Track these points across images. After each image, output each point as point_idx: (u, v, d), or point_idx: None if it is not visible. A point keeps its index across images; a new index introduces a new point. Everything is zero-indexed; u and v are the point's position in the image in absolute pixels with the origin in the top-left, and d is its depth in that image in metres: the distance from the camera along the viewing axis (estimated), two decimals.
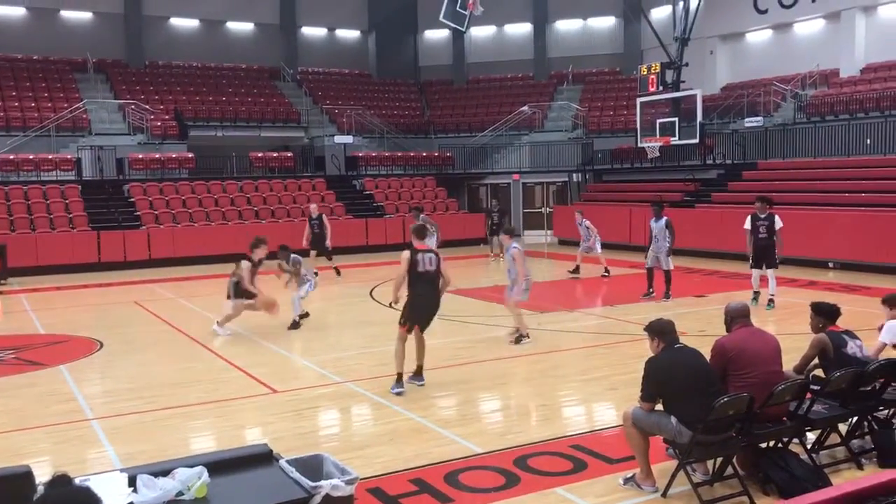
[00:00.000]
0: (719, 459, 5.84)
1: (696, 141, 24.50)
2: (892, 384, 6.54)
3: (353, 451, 6.81)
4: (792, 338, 8.92)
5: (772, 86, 27.49)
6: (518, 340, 10.99)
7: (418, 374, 8.92)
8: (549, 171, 30.12)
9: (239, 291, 12.12)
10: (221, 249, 22.95)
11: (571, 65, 35.84)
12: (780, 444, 6.01)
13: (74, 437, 7.46)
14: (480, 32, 37.44)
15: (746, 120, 26.31)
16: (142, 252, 22.51)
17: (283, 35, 36.17)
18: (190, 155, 26.89)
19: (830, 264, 18.65)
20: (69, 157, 25.25)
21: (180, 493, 3.98)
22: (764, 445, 5.98)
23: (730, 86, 30.71)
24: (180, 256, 22.57)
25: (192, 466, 4.12)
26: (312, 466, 4.41)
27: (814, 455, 6.13)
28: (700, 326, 11.60)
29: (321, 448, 6.40)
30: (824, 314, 6.59)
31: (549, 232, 26.42)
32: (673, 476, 5.64)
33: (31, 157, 24.74)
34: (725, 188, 23.91)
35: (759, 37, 30.97)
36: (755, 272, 13.72)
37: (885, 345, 6.83)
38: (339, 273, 19.15)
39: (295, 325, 12.61)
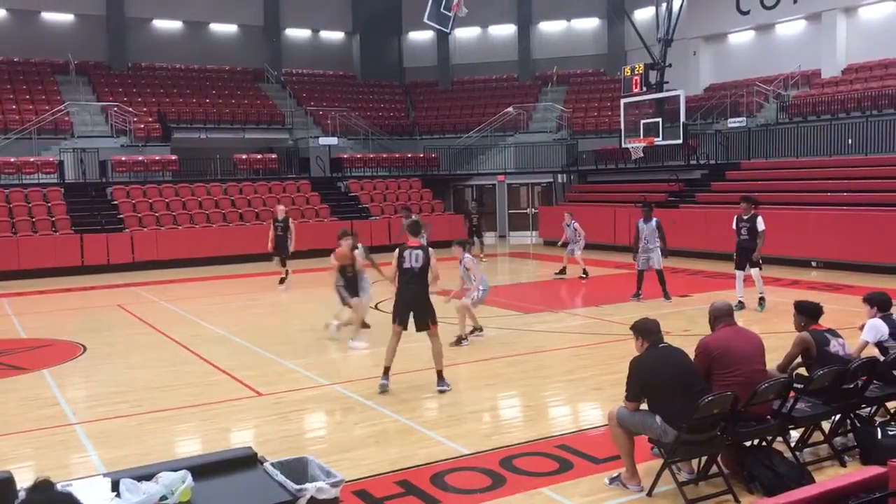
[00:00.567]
0: (704, 458, 5.86)
1: (679, 141, 24.62)
2: (874, 382, 6.60)
3: (338, 453, 6.79)
4: (775, 336, 8.97)
5: (754, 86, 27.66)
6: (459, 342, 11.08)
7: (440, 380, 8.75)
8: (534, 172, 30.18)
9: (352, 289, 11.61)
10: (205, 252, 22.92)
11: (556, 66, 35.94)
12: (764, 443, 6.04)
13: (57, 442, 7.40)
14: (465, 34, 37.48)
15: (729, 120, 26.47)
16: (125, 255, 22.36)
17: (266, 37, 36.04)
18: (173, 157, 26.75)
19: (813, 263, 18.79)
20: (51, 159, 25.05)
21: (164, 498, 3.96)
22: (748, 444, 6.01)
23: (713, 86, 30.89)
24: (164, 259, 22.43)
25: (175, 470, 4.10)
26: (297, 469, 4.40)
27: (797, 453, 6.17)
28: (684, 326, 11.66)
29: (307, 451, 6.37)
30: (807, 313, 6.63)
31: (534, 233, 26.49)
32: (658, 475, 5.67)
33: (12, 160, 24.50)
34: (709, 188, 24.05)
35: (741, 38, 31.17)
36: (738, 274, 13.54)
37: (867, 343, 6.89)
38: (284, 279, 17.85)
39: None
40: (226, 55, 35.20)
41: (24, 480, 4.16)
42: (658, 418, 5.59)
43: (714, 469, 5.77)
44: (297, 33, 37.46)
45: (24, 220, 22.21)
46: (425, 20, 26.60)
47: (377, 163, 30.41)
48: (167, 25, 34.54)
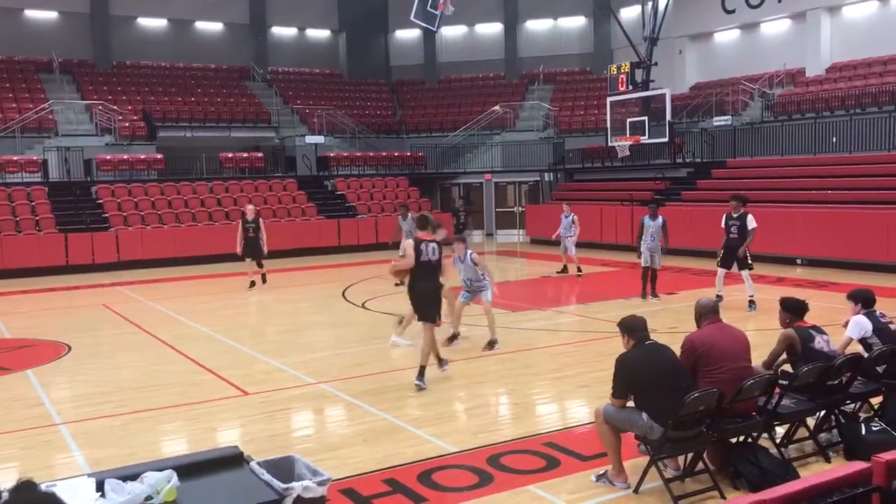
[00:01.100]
0: (690, 455, 5.89)
1: (665, 140, 24.72)
2: (858, 378, 6.65)
3: (325, 452, 6.78)
4: (761, 333, 9.02)
5: (740, 85, 27.81)
6: (450, 341, 10.84)
7: (420, 375, 8.72)
8: (521, 171, 30.21)
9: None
10: (191, 251, 22.81)
11: (542, 64, 35.99)
12: (749, 439, 6.08)
13: (41, 443, 7.35)
14: (452, 32, 37.47)
15: (715, 119, 26.60)
16: (110, 254, 22.23)
17: (252, 35, 35.90)
18: (159, 156, 26.60)
19: (798, 261, 18.91)
20: (35, 158, 24.86)
21: (149, 498, 3.93)
22: (734, 440, 6.05)
23: (699, 85, 31.02)
24: (149, 259, 22.31)
25: (161, 470, 4.07)
26: (284, 468, 4.37)
27: (783, 449, 6.21)
28: (670, 323, 11.70)
29: (294, 450, 6.34)
30: (792, 310, 6.66)
31: (521, 231, 26.52)
32: (645, 472, 5.69)
33: None
34: (695, 186, 24.14)
35: (727, 36, 31.32)
36: (721, 271, 13.50)
37: (851, 339, 6.94)
38: (261, 282, 17.33)
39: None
40: (211, 53, 35.03)
41: (7, 481, 4.13)
42: (644, 415, 5.60)
43: (700, 465, 5.79)
44: (283, 31, 37.33)
45: (7, 220, 22.02)
46: (412, 18, 26.58)
47: (364, 161, 30.36)
48: (152, 23, 34.33)
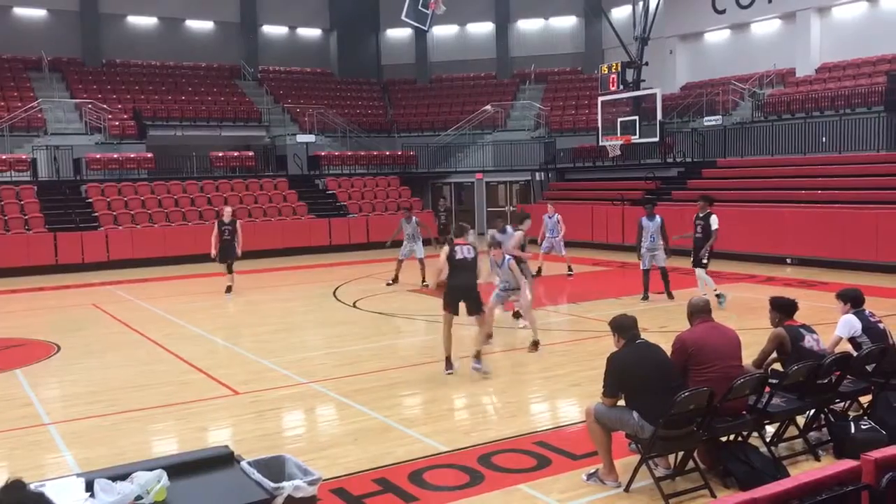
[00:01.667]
0: (681, 454, 5.91)
1: (656, 139, 24.76)
2: (847, 377, 6.68)
3: (316, 451, 6.77)
4: (751, 333, 9.04)
5: (730, 85, 27.89)
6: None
7: (476, 358, 9.29)
8: (513, 170, 30.23)
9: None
10: (182, 251, 22.70)
11: (534, 64, 36.01)
12: (739, 438, 6.10)
13: (30, 443, 7.31)
14: (443, 31, 37.46)
15: (706, 119, 26.67)
16: (100, 254, 22.12)
17: (243, 33, 35.78)
18: (149, 155, 26.48)
19: (788, 260, 18.98)
20: (24, 157, 24.70)
21: (139, 497, 3.91)
22: (724, 439, 6.06)
23: (689, 85, 31.10)
24: (139, 258, 22.22)
25: (151, 470, 4.05)
26: (274, 467, 4.36)
27: (773, 448, 6.23)
28: (661, 322, 11.73)
29: (284, 449, 6.32)
30: (782, 309, 6.69)
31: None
32: (635, 471, 5.70)
33: None
34: (685, 186, 24.19)
35: (717, 37, 31.40)
36: (699, 271, 13.56)
37: (841, 338, 6.97)
38: (229, 290, 16.56)
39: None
40: (202, 52, 34.91)
41: None
42: (635, 414, 5.62)
43: (691, 464, 5.81)
44: (273, 30, 37.24)
45: None
46: (403, 17, 26.58)
47: (355, 160, 30.32)
48: (142, 21, 34.18)
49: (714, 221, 13.10)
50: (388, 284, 16.89)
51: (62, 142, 25.61)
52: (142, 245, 22.65)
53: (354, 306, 14.67)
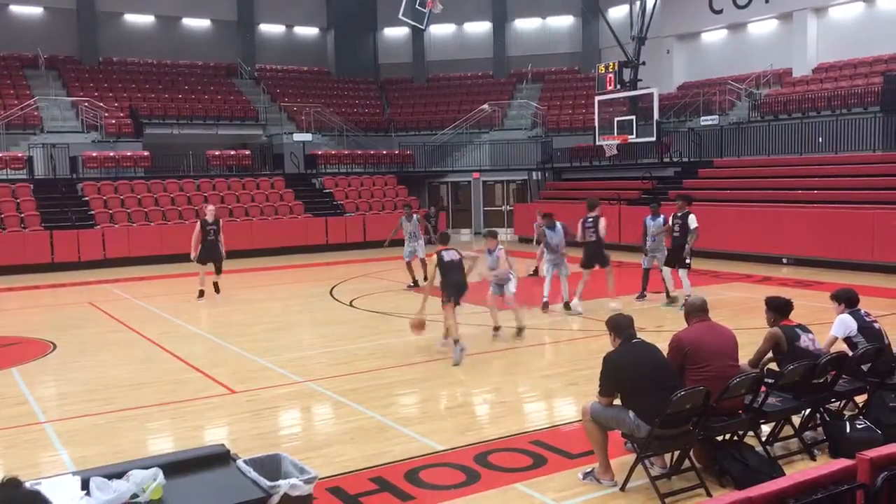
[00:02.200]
0: (677, 453, 5.92)
1: (653, 139, 24.78)
2: (843, 377, 6.69)
3: (312, 450, 6.77)
4: (747, 332, 9.06)
5: (727, 85, 27.94)
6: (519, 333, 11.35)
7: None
8: (509, 170, 30.24)
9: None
10: (178, 249, 22.51)
11: (531, 63, 36.03)
12: (735, 437, 6.11)
13: (26, 441, 7.29)
14: (440, 31, 37.46)
15: (702, 118, 26.71)
16: (96, 252, 22.09)
17: (240, 32, 35.77)
18: (145, 153, 26.46)
19: (784, 260, 19.01)
20: (20, 155, 24.67)
21: (135, 496, 3.91)
22: (720, 438, 6.07)
23: (686, 84, 31.14)
24: (136, 256, 22.20)
25: (147, 468, 4.05)
26: (270, 466, 4.36)
27: (768, 447, 6.24)
28: (657, 322, 11.74)
29: (281, 448, 6.32)
30: (778, 309, 6.70)
31: (509, 230, 26.55)
32: (631, 470, 5.70)
33: None
34: (682, 186, 24.19)
35: (714, 36, 31.45)
36: (666, 270, 13.59)
37: (836, 338, 6.98)
38: (215, 290, 15.85)
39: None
40: (198, 50, 34.89)
41: None
42: (631, 413, 5.62)
43: (686, 463, 5.82)
44: (270, 29, 37.22)
45: None
46: (400, 16, 26.57)
47: (352, 159, 30.30)
48: (139, 19, 34.16)
49: (692, 220, 13.09)
50: (410, 287, 16.56)
51: (58, 140, 25.57)
52: (138, 243, 22.62)
53: (351, 305, 14.66)
